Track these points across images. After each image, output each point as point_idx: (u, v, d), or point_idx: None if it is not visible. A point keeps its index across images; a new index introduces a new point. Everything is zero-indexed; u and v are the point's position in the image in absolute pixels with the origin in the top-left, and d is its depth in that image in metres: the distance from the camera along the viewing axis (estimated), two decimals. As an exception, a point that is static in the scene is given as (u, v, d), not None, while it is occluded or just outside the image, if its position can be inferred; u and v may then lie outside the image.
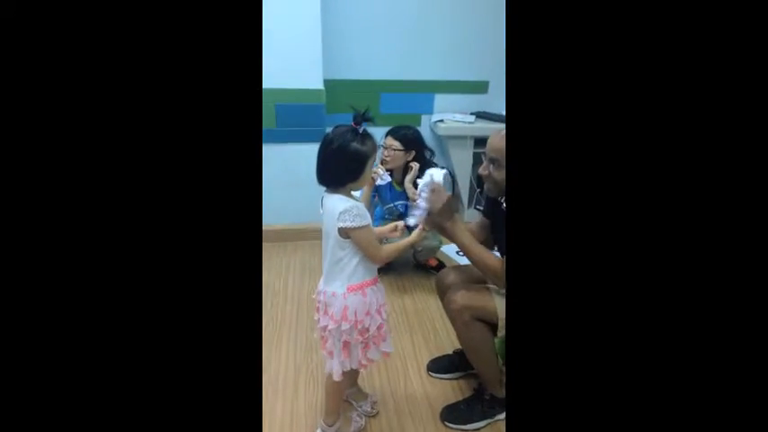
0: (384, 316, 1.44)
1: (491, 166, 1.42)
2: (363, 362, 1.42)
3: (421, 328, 2.13)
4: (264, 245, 2.74)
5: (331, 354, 1.42)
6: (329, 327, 1.37)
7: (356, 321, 1.35)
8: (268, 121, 2.62)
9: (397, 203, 2.43)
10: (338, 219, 1.29)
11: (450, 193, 1.45)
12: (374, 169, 1.48)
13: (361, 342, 1.39)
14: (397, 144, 2.28)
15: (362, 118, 1.30)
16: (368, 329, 1.38)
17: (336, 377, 1.42)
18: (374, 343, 1.42)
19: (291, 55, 2.53)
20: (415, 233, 1.43)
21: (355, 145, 1.28)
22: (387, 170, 2.27)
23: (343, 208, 1.28)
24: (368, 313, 1.37)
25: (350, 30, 2.97)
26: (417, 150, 2.33)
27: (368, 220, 1.31)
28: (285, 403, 1.68)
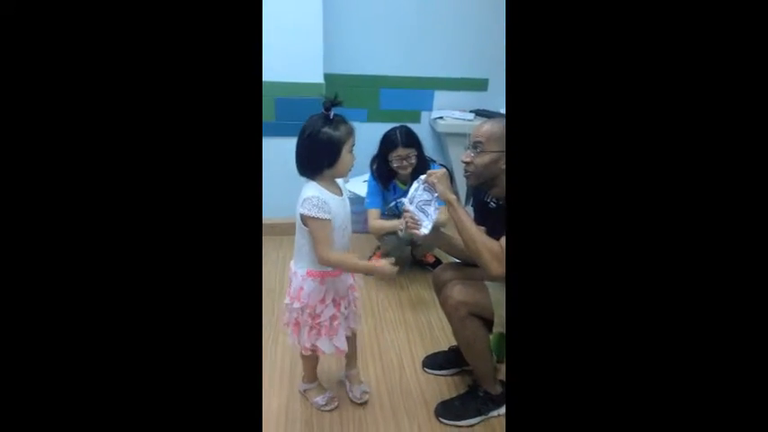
0: (342, 310, 1.47)
1: (474, 151, 1.42)
2: (307, 345, 1.47)
3: (417, 324, 2.14)
4: (263, 239, 2.74)
5: (286, 326, 1.51)
6: (285, 301, 1.46)
7: (308, 305, 1.41)
8: (267, 114, 2.61)
9: (398, 201, 2.42)
10: (300, 204, 1.32)
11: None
12: (399, 227, 1.50)
13: (310, 326, 1.44)
14: (411, 151, 2.27)
15: (331, 103, 1.31)
16: (319, 316, 1.42)
17: (289, 342, 1.52)
18: (326, 334, 1.46)
19: (292, 49, 2.52)
20: (372, 263, 1.43)
21: (327, 131, 1.29)
22: (401, 173, 2.28)
23: (307, 195, 1.31)
24: (322, 301, 1.42)
25: (351, 25, 2.96)
26: (419, 146, 2.33)
27: (327, 214, 1.31)
28: (281, 398, 1.68)
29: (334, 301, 1.44)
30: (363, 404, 1.68)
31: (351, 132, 1.33)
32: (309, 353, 1.51)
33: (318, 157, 1.32)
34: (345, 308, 1.49)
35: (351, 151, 1.34)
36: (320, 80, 2.62)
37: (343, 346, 1.50)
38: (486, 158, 1.39)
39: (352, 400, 1.68)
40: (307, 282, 1.41)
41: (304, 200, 1.31)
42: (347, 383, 1.74)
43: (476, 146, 1.41)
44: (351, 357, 1.71)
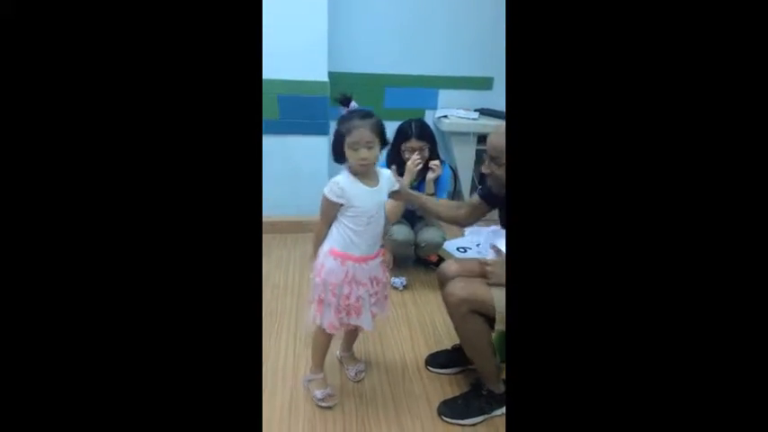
0: (362, 293, 1.51)
1: (492, 164, 1.43)
2: (335, 323, 1.52)
3: (420, 323, 2.14)
4: (265, 237, 2.74)
5: (311, 303, 1.55)
6: (311, 276, 1.53)
7: (329, 282, 1.47)
8: (271, 112, 2.61)
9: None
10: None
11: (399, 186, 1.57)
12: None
13: (336, 306, 1.49)
14: (424, 144, 2.27)
15: (340, 100, 1.42)
16: (347, 297, 1.48)
17: (308, 321, 1.56)
18: (354, 312, 1.51)
19: (296, 46, 2.52)
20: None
21: (337, 128, 1.40)
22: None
23: (332, 179, 1.42)
24: (345, 281, 1.47)
25: (356, 23, 2.97)
26: (432, 141, 2.33)
27: (340, 199, 1.41)
28: (284, 393, 1.68)
29: (356, 282, 1.49)
30: (359, 382, 1.76)
31: (350, 130, 1.37)
32: (335, 331, 1.57)
33: (334, 151, 1.43)
34: (371, 293, 1.54)
35: (355, 148, 1.38)
36: (324, 78, 2.62)
37: (369, 326, 1.56)
38: (504, 170, 1.41)
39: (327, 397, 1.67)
40: (328, 259, 1.48)
41: (329, 181, 1.43)
42: (343, 365, 1.80)
43: (493, 159, 1.43)
44: (348, 340, 1.78)
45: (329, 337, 1.62)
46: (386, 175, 1.51)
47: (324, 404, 1.64)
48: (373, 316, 1.60)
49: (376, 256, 1.54)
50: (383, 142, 1.42)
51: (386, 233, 1.65)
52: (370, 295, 1.54)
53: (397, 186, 1.54)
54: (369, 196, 1.44)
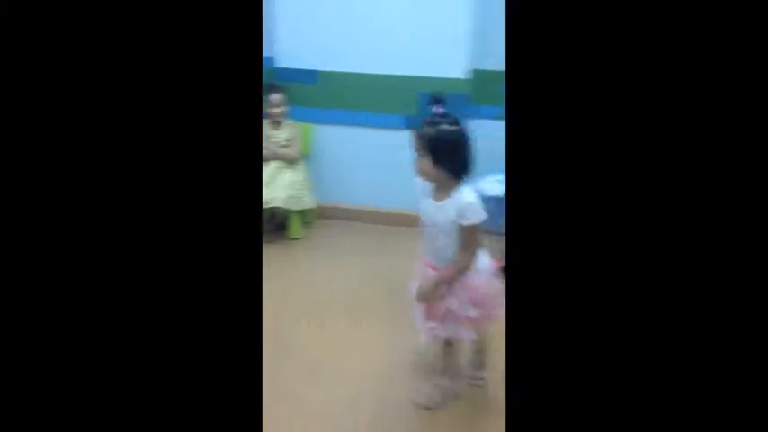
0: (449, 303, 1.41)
1: None
2: (422, 330, 1.47)
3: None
4: (392, 229, 2.82)
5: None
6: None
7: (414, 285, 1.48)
8: (410, 108, 2.68)
9: None
10: None
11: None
12: None
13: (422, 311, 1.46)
14: None
15: (431, 101, 1.39)
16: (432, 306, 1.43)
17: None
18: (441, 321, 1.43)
19: (436, 44, 2.56)
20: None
21: None
22: None
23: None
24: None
25: (494, 20, 2.90)
26: None
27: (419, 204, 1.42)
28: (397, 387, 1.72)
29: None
30: (474, 387, 1.69)
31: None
32: (424, 339, 1.52)
33: None
34: (460, 306, 1.43)
35: (421, 155, 1.33)
36: (462, 75, 2.62)
37: (466, 336, 1.47)
38: None
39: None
40: (418, 261, 1.51)
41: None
42: (468, 363, 1.71)
43: None
44: (476, 356, 1.69)
45: (446, 345, 1.57)
46: (462, 200, 1.32)
47: (419, 399, 1.60)
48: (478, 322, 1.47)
49: None
50: (435, 155, 1.27)
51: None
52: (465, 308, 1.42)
53: (473, 221, 1.33)
54: (430, 208, 1.40)
